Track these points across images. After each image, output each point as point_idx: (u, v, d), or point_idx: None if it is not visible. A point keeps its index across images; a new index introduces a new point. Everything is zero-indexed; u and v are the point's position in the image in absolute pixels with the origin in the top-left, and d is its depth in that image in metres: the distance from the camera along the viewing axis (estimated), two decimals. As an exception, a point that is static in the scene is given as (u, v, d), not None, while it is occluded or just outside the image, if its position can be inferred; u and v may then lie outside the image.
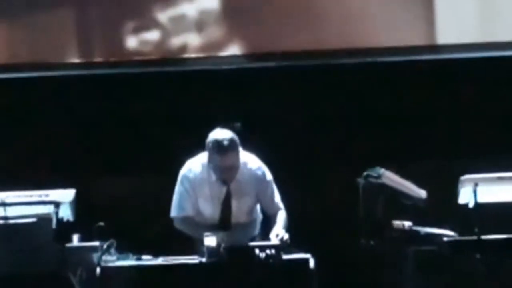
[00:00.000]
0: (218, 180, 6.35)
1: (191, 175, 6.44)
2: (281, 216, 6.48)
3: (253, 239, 6.44)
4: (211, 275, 6.14)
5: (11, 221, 6.41)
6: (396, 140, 7.86)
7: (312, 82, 7.89)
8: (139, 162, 7.94)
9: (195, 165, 6.47)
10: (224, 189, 6.37)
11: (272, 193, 6.54)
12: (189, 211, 6.41)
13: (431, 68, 8.04)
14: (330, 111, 7.86)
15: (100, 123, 7.91)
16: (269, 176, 6.53)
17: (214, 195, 6.40)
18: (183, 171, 6.48)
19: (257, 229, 6.51)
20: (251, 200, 6.49)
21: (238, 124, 6.98)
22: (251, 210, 6.48)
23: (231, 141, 6.16)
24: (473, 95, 7.93)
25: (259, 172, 6.46)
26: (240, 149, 6.34)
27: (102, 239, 6.34)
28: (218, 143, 6.16)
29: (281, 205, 6.56)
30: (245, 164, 6.42)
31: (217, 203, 6.43)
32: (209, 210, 6.41)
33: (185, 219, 6.43)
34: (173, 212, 6.46)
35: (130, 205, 7.76)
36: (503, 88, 7.93)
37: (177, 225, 6.46)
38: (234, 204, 6.33)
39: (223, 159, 6.16)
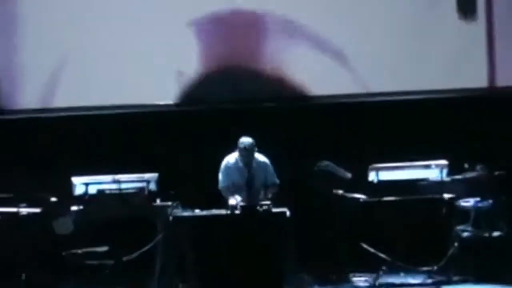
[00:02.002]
0: (243, 164, 9.21)
1: (228, 164, 9.45)
2: (274, 185, 9.32)
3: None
4: (232, 221, 8.98)
5: (122, 192, 9.40)
6: (336, 148, 10.49)
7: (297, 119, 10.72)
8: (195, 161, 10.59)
9: (231, 158, 9.43)
10: (246, 171, 9.33)
11: (272, 174, 9.42)
12: (226, 184, 9.33)
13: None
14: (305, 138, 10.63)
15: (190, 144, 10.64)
16: (269, 164, 9.43)
17: (241, 175, 9.41)
18: (224, 162, 9.44)
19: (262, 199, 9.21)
20: (261, 179, 9.40)
21: (248, 139, 9.33)
22: (262, 184, 9.37)
23: (252, 144, 9.17)
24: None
25: (265, 164, 9.43)
26: (256, 149, 9.24)
27: (172, 200, 9.33)
28: (244, 143, 9.16)
29: (277, 180, 9.40)
30: (257, 158, 9.35)
31: (244, 179, 9.39)
32: (239, 182, 9.39)
33: (226, 188, 9.35)
34: (219, 185, 9.37)
35: (186, 183, 10.25)
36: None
37: (222, 191, 9.35)
38: (254, 177, 9.37)
39: (246, 153, 9.13)
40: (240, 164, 9.37)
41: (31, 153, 10.65)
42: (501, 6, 10.72)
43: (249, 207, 9.02)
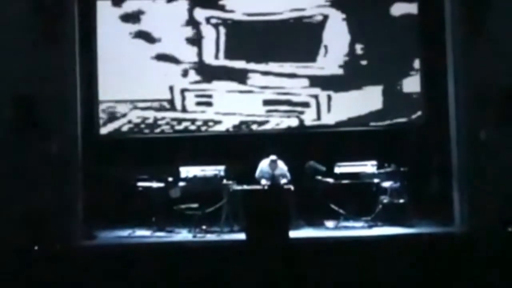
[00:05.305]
0: (270, 169, 13.33)
1: (262, 166, 13.55)
2: (287, 178, 13.30)
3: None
4: (263, 192, 13.11)
5: (206, 176, 13.19)
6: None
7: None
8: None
9: (264, 163, 13.54)
10: (271, 172, 13.42)
11: (286, 175, 13.31)
12: (258, 176, 13.44)
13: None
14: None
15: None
16: (285, 169, 13.38)
17: (268, 174, 13.44)
18: (260, 163, 13.47)
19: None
20: (281, 175, 13.25)
21: (274, 156, 13.62)
22: (280, 178, 13.25)
23: (276, 159, 13.20)
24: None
25: (285, 169, 13.40)
26: (279, 161, 13.21)
27: (232, 180, 13.46)
28: (271, 159, 13.28)
29: (289, 177, 13.22)
30: (281, 164, 13.35)
31: (270, 176, 13.38)
32: (267, 177, 13.40)
33: (258, 177, 13.43)
34: (256, 174, 13.48)
35: (240, 171, 13.76)
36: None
37: (256, 178, 13.39)
38: (276, 175, 13.43)
39: (272, 164, 13.34)
40: (268, 168, 13.73)
41: (159, 155, 14.86)
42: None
43: (272, 185, 13.54)
